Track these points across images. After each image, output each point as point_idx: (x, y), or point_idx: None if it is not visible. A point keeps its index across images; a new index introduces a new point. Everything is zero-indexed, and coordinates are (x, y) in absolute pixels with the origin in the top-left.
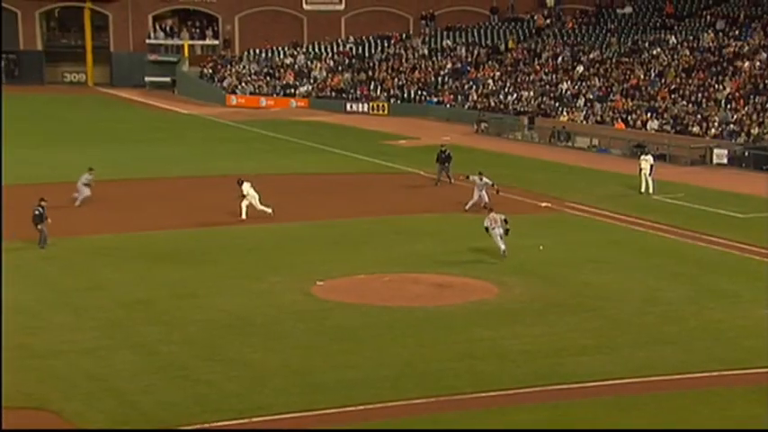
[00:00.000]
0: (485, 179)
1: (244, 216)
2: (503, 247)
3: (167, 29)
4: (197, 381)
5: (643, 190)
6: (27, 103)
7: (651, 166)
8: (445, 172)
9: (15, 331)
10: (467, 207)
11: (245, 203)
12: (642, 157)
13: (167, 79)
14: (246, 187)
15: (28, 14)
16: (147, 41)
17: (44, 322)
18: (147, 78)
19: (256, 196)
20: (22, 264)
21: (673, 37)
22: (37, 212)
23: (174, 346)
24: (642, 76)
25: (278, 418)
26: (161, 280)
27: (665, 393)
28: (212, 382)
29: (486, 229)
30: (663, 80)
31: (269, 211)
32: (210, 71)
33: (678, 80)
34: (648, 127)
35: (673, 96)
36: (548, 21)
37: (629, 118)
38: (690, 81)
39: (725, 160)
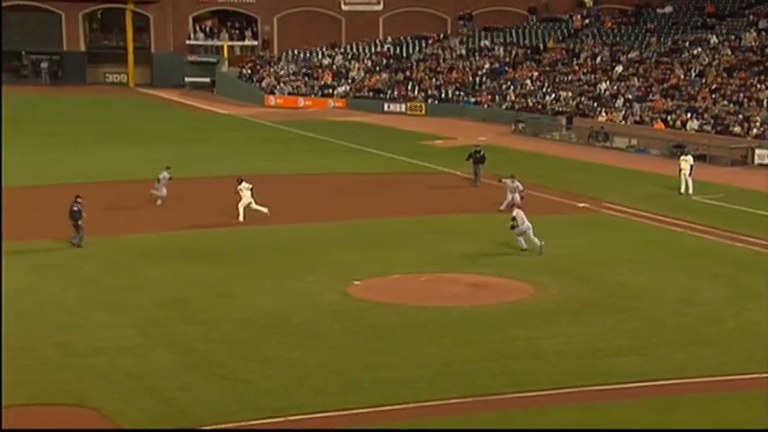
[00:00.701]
0: (516, 182)
1: (242, 218)
2: (538, 242)
3: (207, 30)
4: (234, 379)
5: (682, 190)
6: (70, 104)
7: (691, 166)
8: (477, 173)
9: (56, 329)
10: (502, 207)
11: (241, 205)
12: (682, 157)
13: (206, 80)
14: (244, 187)
15: (71, 16)
16: (187, 42)
17: (84, 320)
18: (186, 79)
19: (251, 198)
20: (62, 262)
21: (714, 36)
22: (76, 209)
23: (211, 344)
24: (682, 76)
25: (314, 417)
26: (198, 279)
27: (702, 395)
28: (249, 380)
29: (513, 227)
30: (703, 80)
31: (265, 210)
32: (249, 72)
33: (719, 80)
34: (688, 127)
35: (713, 96)
36: (586, 21)
37: (669, 118)
38: (731, 81)
39: (767, 161)
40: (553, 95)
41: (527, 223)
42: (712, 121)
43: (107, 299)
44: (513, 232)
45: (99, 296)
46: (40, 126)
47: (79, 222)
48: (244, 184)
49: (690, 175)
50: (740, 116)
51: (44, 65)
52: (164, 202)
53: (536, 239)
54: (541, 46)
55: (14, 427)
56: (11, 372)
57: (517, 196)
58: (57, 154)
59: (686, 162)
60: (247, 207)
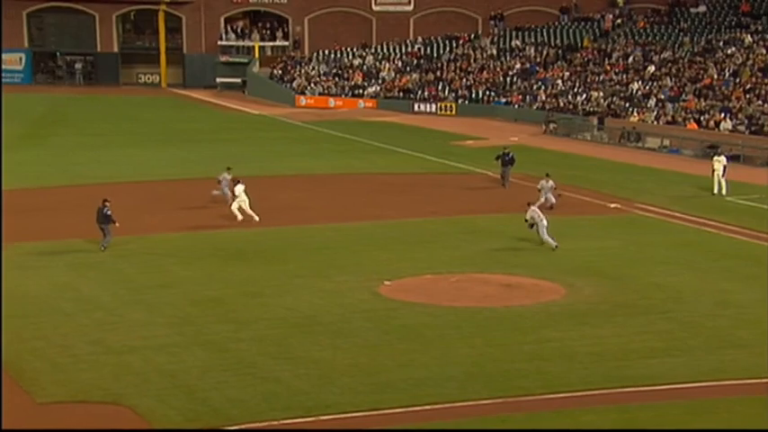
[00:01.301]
0: (550, 182)
1: (240, 217)
2: (553, 243)
3: (238, 30)
4: (266, 378)
5: (716, 191)
6: (103, 104)
7: (724, 167)
8: (506, 174)
9: (92, 327)
10: (548, 206)
11: (235, 206)
12: (715, 157)
13: (238, 80)
14: (239, 189)
15: (105, 17)
16: (219, 43)
17: (119, 318)
18: (218, 79)
19: (246, 200)
20: (98, 261)
21: (748, 36)
22: (108, 212)
23: (243, 343)
24: (716, 76)
25: (346, 417)
26: (231, 278)
27: (737, 398)
28: (281, 379)
29: (532, 225)
30: (737, 79)
31: (256, 218)
32: (280, 72)
33: (753, 80)
34: (722, 127)
35: (747, 96)
36: (618, 20)
37: (702, 118)
38: (766, 80)
39: None
40: (584, 95)
41: (544, 221)
42: (746, 121)
43: (141, 297)
44: (537, 233)
45: (133, 295)
46: (74, 127)
47: (107, 226)
48: (239, 185)
49: (723, 175)
50: None
51: (78, 66)
52: (228, 202)
53: (552, 240)
54: (578, 45)
55: (54, 426)
56: (49, 369)
57: (550, 196)
58: (91, 154)
59: (719, 162)
60: (242, 208)
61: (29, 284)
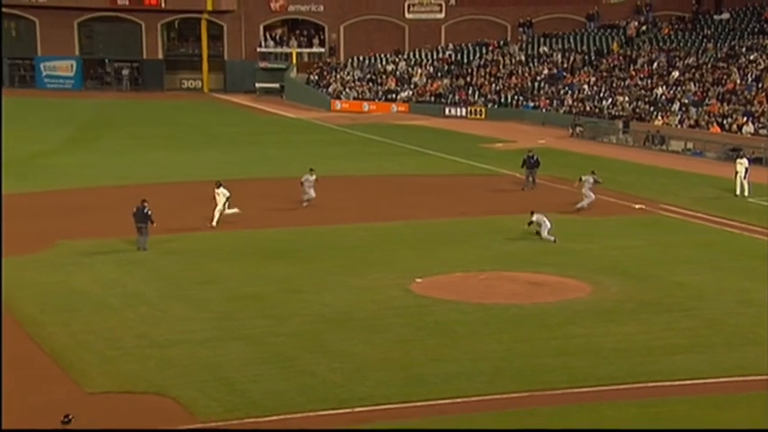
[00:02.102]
0: (592, 177)
1: (215, 223)
2: (552, 238)
3: (277, 38)
4: (302, 371)
5: (738, 192)
6: (149, 109)
7: (746, 169)
8: (532, 176)
9: (138, 322)
10: (578, 207)
11: (217, 210)
12: (738, 160)
13: (276, 85)
14: (221, 192)
15: (151, 26)
16: (258, 50)
17: (163, 313)
18: (257, 84)
19: (223, 201)
20: (143, 259)
21: None
22: (148, 212)
23: (280, 338)
24: (738, 81)
25: (379, 409)
26: (269, 275)
27: (759, 393)
28: (316, 372)
29: (538, 233)
30: (760, 84)
31: (237, 210)
32: (316, 77)
33: None
34: (744, 131)
35: None
36: (643, 27)
37: (725, 122)
38: None
39: None
40: (610, 100)
41: (548, 224)
42: None
43: (184, 293)
44: (538, 233)
45: (176, 291)
46: (120, 130)
47: (145, 226)
48: (221, 189)
49: (745, 177)
50: None
51: (125, 72)
52: (311, 202)
53: (549, 237)
54: (603, 50)
55: (101, 415)
56: (97, 361)
57: (590, 192)
58: (136, 156)
59: (742, 165)
60: (222, 212)
61: (78, 280)
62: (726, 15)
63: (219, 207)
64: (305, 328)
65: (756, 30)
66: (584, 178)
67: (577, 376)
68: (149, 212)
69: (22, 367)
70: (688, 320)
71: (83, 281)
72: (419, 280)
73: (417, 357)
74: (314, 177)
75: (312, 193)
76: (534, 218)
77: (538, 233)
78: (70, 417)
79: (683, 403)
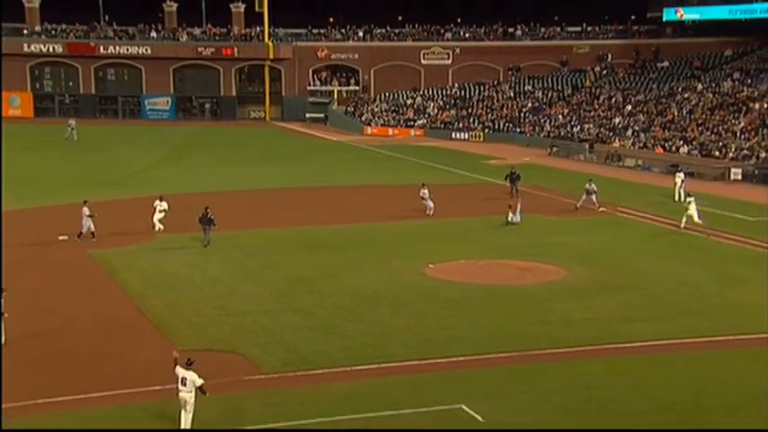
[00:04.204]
0: (593, 185)
1: (159, 228)
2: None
3: (322, 79)
4: (343, 336)
5: (677, 199)
6: (224, 134)
7: (683, 180)
8: (515, 188)
9: (216, 297)
10: (578, 205)
11: (157, 217)
12: (676, 173)
13: (322, 115)
14: (163, 205)
15: (227, 71)
16: (308, 88)
17: (235, 291)
18: (307, 114)
19: (161, 216)
20: (219, 249)
21: (700, 84)
22: (211, 216)
23: (325, 310)
24: (676, 113)
25: (400, 365)
26: (315, 262)
27: (692, 353)
28: (353, 337)
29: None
30: (692, 116)
31: (159, 227)
32: (352, 109)
33: (704, 116)
34: (681, 151)
35: (700, 128)
36: (604, 71)
37: (666, 144)
38: (713, 117)
39: (739, 177)
40: (579, 127)
41: (516, 219)
42: (699, 147)
43: (251, 276)
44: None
45: (245, 274)
46: (202, 151)
47: (209, 227)
48: (163, 203)
49: (682, 187)
50: (720, 143)
51: (207, 106)
52: (431, 213)
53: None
54: (573, 88)
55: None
56: (185, 326)
57: (593, 197)
58: (213, 170)
59: (679, 177)
60: (159, 220)
61: (171, 265)
62: (666, 63)
63: (159, 215)
64: (343, 303)
65: (689, 75)
66: (586, 187)
67: (555, 340)
68: (212, 216)
69: (132, 330)
70: (639, 297)
71: (175, 265)
72: (432, 266)
73: (430, 325)
74: (426, 190)
75: (431, 203)
76: (510, 217)
77: (508, 222)
78: (192, 360)
79: (636, 360)
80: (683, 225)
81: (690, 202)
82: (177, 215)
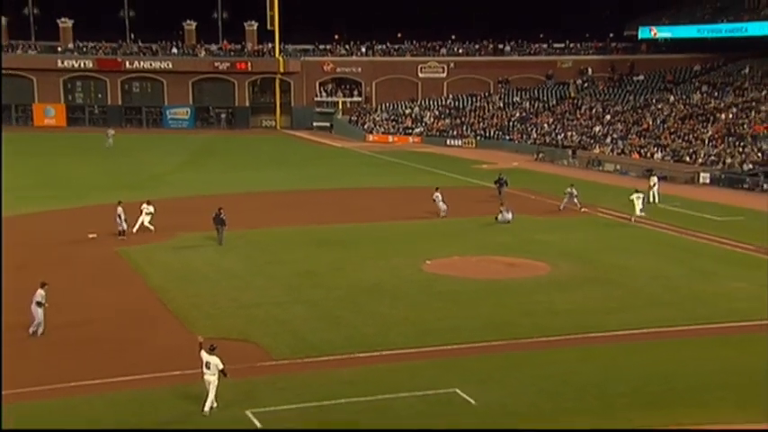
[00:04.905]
0: (573, 190)
1: (151, 228)
2: (509, 217)
3: (328, 90)
4: (346, 325)
5: (651, 200)
6: (238, 141)
7: (656, 183)
8: (502, 192)
9: (231, 289)
10: (561, 207)
11: (141, 219)
12: (651, 177)
13: (327, 124)
14: (150, 208)
15: (241, 83)
16: (315, 99)
17: (248, 284)
18: (314, 123)
19: (148, 218)
20: (234, 246)
21: (672, 96)
22: (223, 217)
23: (330, 302)
24: (651, 122)
25: (400, 353)
26: (321, 258)
27: (664, 340)
28: (356, 326)
29: (498, 221)
30: (665, 125)
31: (151, 228)
32: (355, 118)
33: (676, 125)
34: (655, 157)
35: (672, 136)
36: (585, 84)
37: (642, 150)
38: (684, 126)
39: (708, 181)
40: (563, 134)
41: (507, 216)
42: (671, 153)
43: (262, 270)
44: (499, 220)
45: (257, 268)
46: (218, 156)
47: (221, 227)
48: (150, 207)
49: (656, 189)
50: (690, 150)
51: (223, 115)
52: (446, 215)
53: (507, 216)
54: (558, 100)
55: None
56: (203, 316)
57: (575, 200)
58: (228, 174)
59: (654, 181)
60: (146, 223)
61: (190, 260)
62: (641, 77)
63: (142, 218)
64: (347, 295)
65: (662, 87)
66: (567, 191)
67: (541, 329)
68: (224, 217)
69: (154, 320)
70: (617, 290)
71: (193, 261)
72: (428, 262)
73: (427, 316)
74: (439, 193)
75: (444, 206)
76: (499, 217)
77: (497, 220)
78: (215, 345)
79: (614, 347)
80: (633, 218)
81: (637, 198)
82: (194, 214)
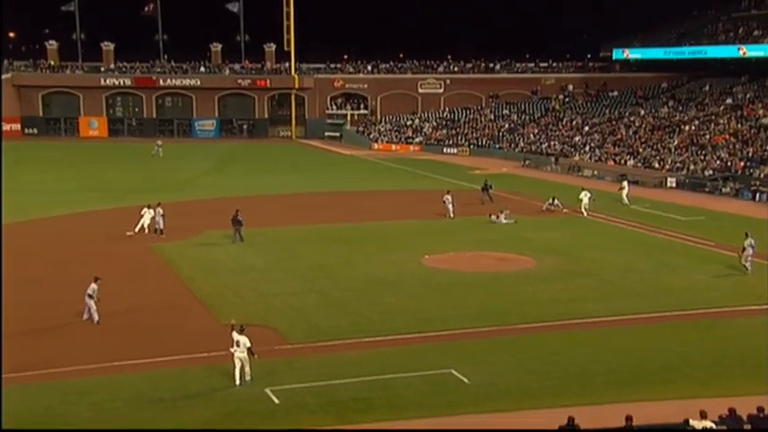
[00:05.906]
0: (557, 201)
1: (136, 231)
2: (503, 221)
3: (338, 104)
4: (354, 313)
5: (625, 202)
6: (258, 149)
7: (628, 187)
8: (488, 195)
9: (251, 280)
10: (543, 208)
11: (142, 222)
12: (623, 182)
13: (337, 134)
14: (151, 212)
15: (261, 98)
16: (327, 111)
17: (266, 276)
18: (326, 133)
19: (148, 221)
20: (255, 243)
21: (642, 110)
22: (240, 218)
23: (340, 292)
24: (624, 133)
25: (401, 337)
26: (332, 253)
27: (636, 326)
28: (362, 314)
29: (494, 221)
30: (637, 135)
31: (145, 230)
32: (362, 129)
33: (646, 135)
34: (628, 164)
35: (643, 145)
36: (566, 99)
37: (616, 158)
38: (653, 136)
39: (674, 185)
40: (547, 143)
41: (503, 220)
42: (642, 160)
43: (279, 264)
44: (492, 220)
45: (275, 262)
46: (240, 163)
47: (239, 227)
48: (151, 210)
49: (628, 192)
50: (658, 158)
51: (245, 126)
52: (453, 216)
53: (502, 220)
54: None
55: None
56: (226, 304)
57: (559, 204)
58: (248, 178)
59: (626, 184)
60: (145, 225)
61: (216, 255)
62: (615, 93)
63: (145, 220)
64: (355, 286)
65: (633, 102)
66: (550, 200)
67: (527, 316)
68: (241, 218)
69: (183, 308)
70: (595, 282)
71: (218, 255)
72: (427, 257)
73: (426, 305)
74: (449, 196)
75: (451, 207)
76: (492, 217)
77: (494, 221)
78: (244, 327)
79: (592, 332)
80: (586, 214)
81: (585, 195)
82: (219, 214)
